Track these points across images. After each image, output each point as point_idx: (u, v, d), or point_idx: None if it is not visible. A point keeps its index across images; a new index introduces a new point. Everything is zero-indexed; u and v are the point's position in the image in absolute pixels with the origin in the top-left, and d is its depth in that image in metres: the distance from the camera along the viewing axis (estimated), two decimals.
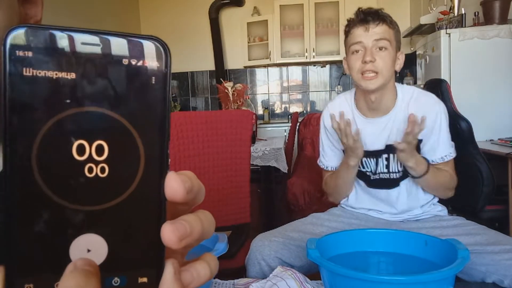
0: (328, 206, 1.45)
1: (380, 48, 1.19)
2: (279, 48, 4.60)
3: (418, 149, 1.23)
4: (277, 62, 4.65)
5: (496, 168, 1.81)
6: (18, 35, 0.21)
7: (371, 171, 1.30)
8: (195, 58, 4.97)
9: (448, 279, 0.75)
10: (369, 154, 1.28)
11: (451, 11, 2.92)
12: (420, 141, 1.23)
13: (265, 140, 2.84)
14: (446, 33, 2.68)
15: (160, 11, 4.93)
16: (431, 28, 3.31)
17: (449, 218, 1.29)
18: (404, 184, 1.29)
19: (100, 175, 0.22)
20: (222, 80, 3.45)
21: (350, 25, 1.23)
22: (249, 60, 4.77)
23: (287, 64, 4.87)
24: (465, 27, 2.75)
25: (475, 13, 2.84)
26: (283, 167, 2.37)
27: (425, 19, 3.40)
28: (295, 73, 4.98)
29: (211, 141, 1.64)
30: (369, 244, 0.98)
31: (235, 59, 4.91)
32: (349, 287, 0.76)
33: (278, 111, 5.05)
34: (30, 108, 0.21)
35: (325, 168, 1.42)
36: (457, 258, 0.78)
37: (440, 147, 1.24)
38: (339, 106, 1.33)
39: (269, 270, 1.10)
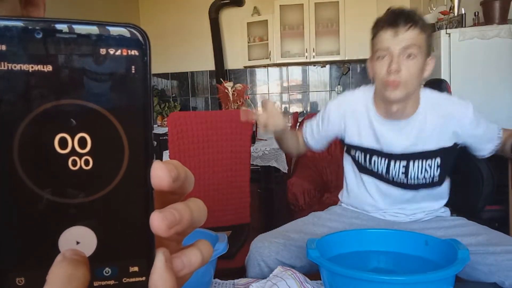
0: (328, 206, 1.45)
1: (409, 56, 1.08)
2: (279, 48, 4.60)
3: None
4: (277, 62, 4.65)
5: (496, 168, 1.81)
6: None
7: (379, 172, 1.27)
8: (195, 58, 4.97)
9: (448, 279, 0.75)
10: (380, 154, 1.25)
11: (451, 11, 2.92)
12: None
13: (265, 140, 2.83)
14: (446, 33, 2.68)
15: (160, 11, 4.93)
16: (431, 28, 3.31)
17: (451, 219, 1.29)
18: (424, 191, 1.26)
19: (84, 167, 0.21)
20: (222, 80, 3.44)
21: (378, 26, 1.12)
22: (249, 60, 4.77)
23: (287, 64, 4.87)
24: (465, 27, 2.75)
25: (475, 13, 2.84)
26: (283, 167, 2.36)
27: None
28: (295, 73, 4.98)
29: (211, 141, 1.64)
30: (369, 244, 0.98)
31: (235, 59, 4.91)
32: (349, 287, 0.76)
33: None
34: (7, 103, 0.20)
35: (303, 134, 1.38)
36: (457, 258, 0.78)
37: (490, 129, 1.21)
38: (354, 102, 1.27)
39: (269, 272, 1.09)
